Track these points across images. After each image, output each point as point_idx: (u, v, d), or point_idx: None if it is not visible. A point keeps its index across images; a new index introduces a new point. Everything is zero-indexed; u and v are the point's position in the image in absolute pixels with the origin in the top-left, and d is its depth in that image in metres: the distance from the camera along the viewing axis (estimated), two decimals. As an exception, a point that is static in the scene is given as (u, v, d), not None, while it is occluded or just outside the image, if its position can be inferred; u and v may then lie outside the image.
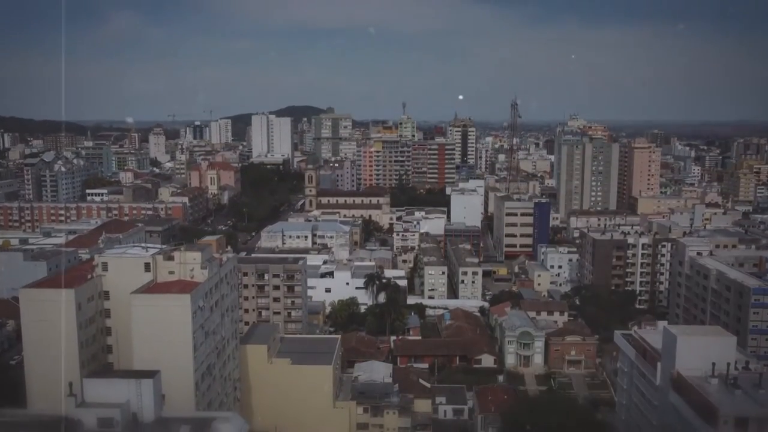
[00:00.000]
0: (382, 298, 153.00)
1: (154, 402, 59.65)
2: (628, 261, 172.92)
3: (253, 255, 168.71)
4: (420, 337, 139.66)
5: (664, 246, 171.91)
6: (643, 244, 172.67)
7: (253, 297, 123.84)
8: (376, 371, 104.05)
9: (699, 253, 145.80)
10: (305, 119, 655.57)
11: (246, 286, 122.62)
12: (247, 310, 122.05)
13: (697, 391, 71.03)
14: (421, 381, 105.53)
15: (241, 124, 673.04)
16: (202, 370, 76.00)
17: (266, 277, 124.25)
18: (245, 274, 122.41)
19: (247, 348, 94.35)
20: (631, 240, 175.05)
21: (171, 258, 78.55)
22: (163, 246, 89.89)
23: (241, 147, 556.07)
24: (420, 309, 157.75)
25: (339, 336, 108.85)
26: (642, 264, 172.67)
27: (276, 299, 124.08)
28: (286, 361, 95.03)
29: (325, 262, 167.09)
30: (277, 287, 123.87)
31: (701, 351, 74.80)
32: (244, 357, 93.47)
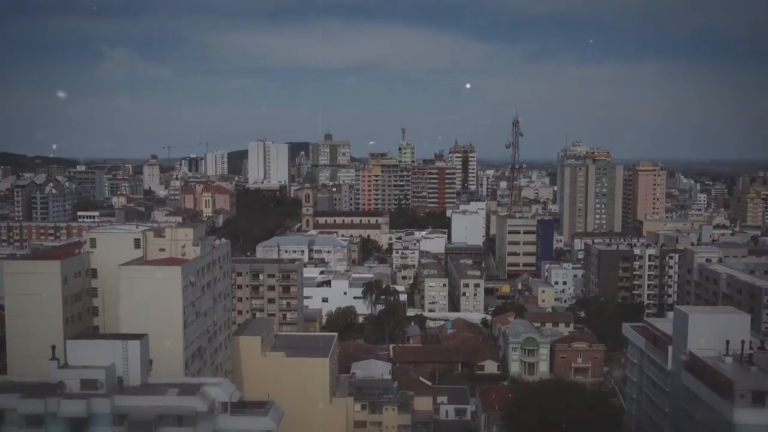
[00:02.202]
0: (380, 308, 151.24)
1: (141, 366, 58.07)
2: (634, 273, 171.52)
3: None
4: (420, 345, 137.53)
5: (671, 257, 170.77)
6: (650, 255, 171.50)
7: (247, 298, 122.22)
8: (374, 368, 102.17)
9: (708, 260, 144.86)
10: (302, 152, 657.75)
11: (240, 287, 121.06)
12: (240, 312, 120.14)
13: (711, 367, 69.54)
14: (421, 379, 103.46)
15: (236, 161, 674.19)
16: (192, 350, 74.38)
17: (261, 277, 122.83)
18: (239, 274, 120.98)
19: (240, 339, 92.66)
20: (637, 251, 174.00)
21: (162, 235, 77.63)
22: (154, 224, 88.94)
23: (237, 178, 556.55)
24: (420, 320, 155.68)
25: (336, 334, 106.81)
26: (649, 276, 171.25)
27: (271, 300, 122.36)
28: (280, 354, 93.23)
29: (322, 272, 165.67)
30: (272, 288, 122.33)
31: (714, 330, 73.41)
32: (237, 348, 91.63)
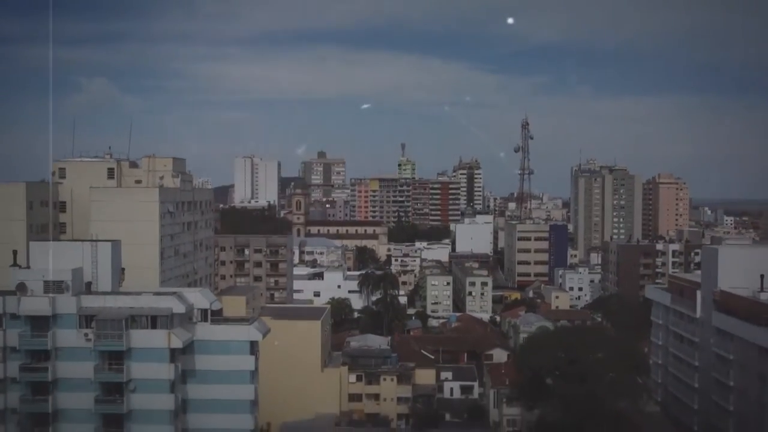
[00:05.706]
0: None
1: (112, 271, 56.88)
2: (657, 270, 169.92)
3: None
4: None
5: (696, 253, 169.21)
6: (673, 251, 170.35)
7: (231, 275, 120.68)
8: (371, 341, 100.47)
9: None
10: (293, 183, 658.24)
11: (223, 263, 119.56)
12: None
13: (745, 299, 68.54)
14: (423, 352, 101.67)
15: (222, 196, 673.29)
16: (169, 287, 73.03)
17: (246, 252, 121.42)
18: (223, 249, 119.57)
19: (223, 299, 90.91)
20: (659, 247, 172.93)
21: (137, 165, 77.08)
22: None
23: (221, 205, 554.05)
24: (422, 316, 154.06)
25: (328, 306, 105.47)
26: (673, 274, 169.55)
27: (257, 278, 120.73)
28: (267, 318, 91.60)
29: (313, 266, 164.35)
30: (258, 264, 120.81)
31: (746, 265, 72.66)
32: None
